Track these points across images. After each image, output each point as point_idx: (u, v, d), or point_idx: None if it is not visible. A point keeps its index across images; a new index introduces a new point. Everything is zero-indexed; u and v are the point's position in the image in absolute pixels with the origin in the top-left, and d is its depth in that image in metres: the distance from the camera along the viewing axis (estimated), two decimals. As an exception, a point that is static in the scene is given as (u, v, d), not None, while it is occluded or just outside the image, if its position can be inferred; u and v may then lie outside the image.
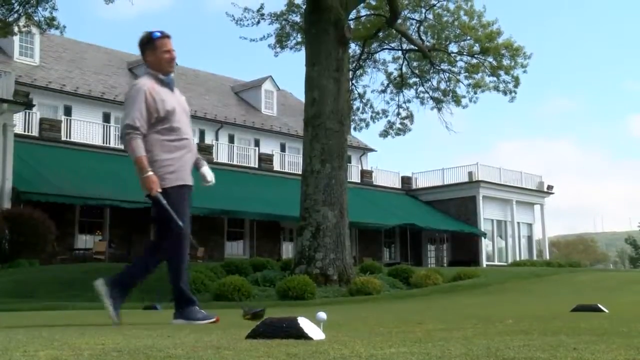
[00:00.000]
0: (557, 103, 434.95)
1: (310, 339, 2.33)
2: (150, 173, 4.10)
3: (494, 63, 21.17)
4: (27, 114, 24.10)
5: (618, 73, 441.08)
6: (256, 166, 30.91)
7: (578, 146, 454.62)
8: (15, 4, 17.41)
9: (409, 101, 23.64)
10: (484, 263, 32.47)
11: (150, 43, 4.46)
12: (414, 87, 23.43)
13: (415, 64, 23.10)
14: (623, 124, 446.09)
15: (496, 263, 33.28)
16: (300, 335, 2.34)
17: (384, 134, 23.82)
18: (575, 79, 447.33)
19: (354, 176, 32.89)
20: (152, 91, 4.29)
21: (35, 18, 18.05)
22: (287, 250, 29.86)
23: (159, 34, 4.49)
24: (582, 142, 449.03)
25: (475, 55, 21.49)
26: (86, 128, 26.27)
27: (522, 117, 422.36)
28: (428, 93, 23.18)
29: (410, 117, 23.72)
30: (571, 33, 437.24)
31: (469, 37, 21.18)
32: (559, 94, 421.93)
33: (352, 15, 18.80)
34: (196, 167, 4.49)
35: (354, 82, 22.36)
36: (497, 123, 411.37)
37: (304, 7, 18.05)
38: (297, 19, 20.69)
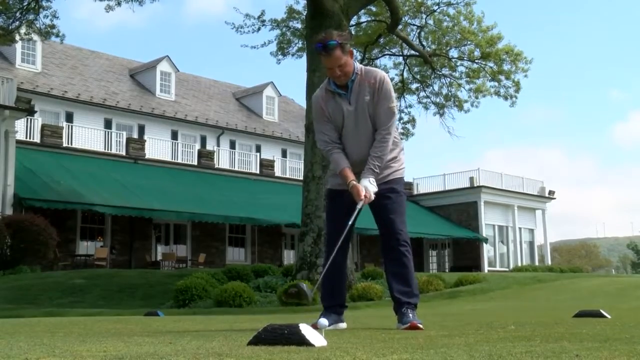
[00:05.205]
0: (539, 112, 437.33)
1: (312, 345, 2.33)
2: None
3: (495, 68, 21.20)
4: (29, 120, 24.16)
5: (600, 82, 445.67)
6: (257, 172, 30.94)
7: (566, 155, 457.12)
8: (17, 12, 17.48)
9: (410, 106, 23.71)
10: (486, 268, 32.43)
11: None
12: (416, 92, 23.48)
13: (416, 69, 23.14)
14: (608, 133, 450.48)
15: (498, 268, 33.24)
16: (302, 342, 2.34)
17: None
18: (557, 88, 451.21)
19: (356, 182, 32.89)
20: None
21: (37, 25, 18.11)
22: (289, 256, 29.86)
23: (319, 47, 3.90)
24: (569, 151, 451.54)
25: (476, 61, 21.53)
26: (88, 134, 26.31)
27: (506, 126, 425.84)
28: (430, 98, 23.23)
29: (412, 121, 23.77)
30: (552, 43, 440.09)
31: (469, 42, 21.22)
32: (540, 103, 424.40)
33: (353, 21, 18.84)
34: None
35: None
36: (483, 131, 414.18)
37: (304, 13, 18.10)
38: (298, 25, 20.74)
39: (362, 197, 3.84)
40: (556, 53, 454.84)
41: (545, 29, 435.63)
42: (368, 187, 3.89)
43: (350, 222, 3.90)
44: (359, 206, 3.88)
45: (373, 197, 3.90)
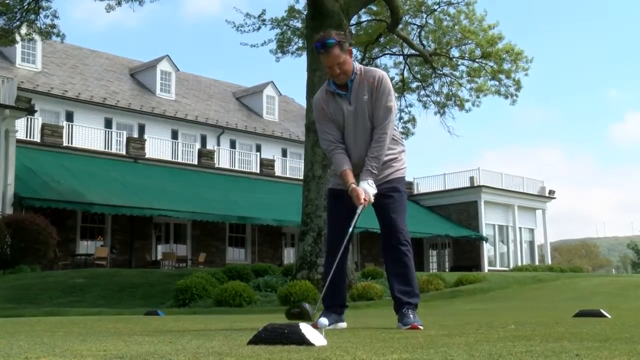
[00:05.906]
0: (538, 112, 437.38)
1: (312, 345, 2.33)
2: None
3: (495, 67, 21.18)
4: (29, 119, 24.17)
5: (598, 82, 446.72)
6: (258, 171, 30.94)
7: (565, 155, 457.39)
8: (17, 12, 17.47)
9: (411, 105, 23.69)
10: (486, 268, 32.42)
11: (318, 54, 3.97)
12: (416, 91, 23.47)
13: (416, 68, 23.12)
14: (607, 133, 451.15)
15: (498, 268, 33.24)
16: (302, 341, 2.34)
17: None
18: (555, 88, 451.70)
19: (356, 181, 32.93)
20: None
21: (37, 25, 18.10)
22: (289, 255, 29.87)
23: (318, 46, 3.92)
24: (568, 151, 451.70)
25: (477, 60, 21.51)
26: (88, 134, 26.32)
27: (506, 126, 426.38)
28: (430, 97, 23.22)
29: (412, 120, 23.76)
30: (550, 43, 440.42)
31: (470, 41, 21.19)
32: (539, 103, 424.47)
33: (353, 20, 18.83)
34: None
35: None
36: (483, 131, 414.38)
37: (304, 12, 18.09)
38: (299, 24, 20.73)
39: (362, 200, 3.85)
40: (555, 54, 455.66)
41: (544, 30, 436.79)
42: (367, 189, 3.90)
43: (350, 230, 3.92)
44: (358, 210, 3.90)
45: (372, 199, 3.92)
